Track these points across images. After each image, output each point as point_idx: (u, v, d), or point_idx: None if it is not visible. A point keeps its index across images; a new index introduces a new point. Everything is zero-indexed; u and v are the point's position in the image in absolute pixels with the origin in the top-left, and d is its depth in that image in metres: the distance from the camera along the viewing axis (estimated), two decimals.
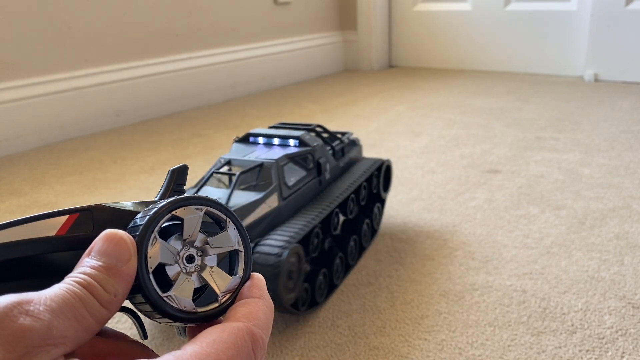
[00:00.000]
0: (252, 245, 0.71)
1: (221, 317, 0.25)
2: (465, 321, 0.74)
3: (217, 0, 2.14)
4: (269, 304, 0.25)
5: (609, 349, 0.67)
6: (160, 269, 0.24)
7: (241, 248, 0.26)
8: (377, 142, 1.54)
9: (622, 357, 0.66)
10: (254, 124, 1.79)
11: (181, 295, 0.24)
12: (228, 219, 0.26)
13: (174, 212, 0.24)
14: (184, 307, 0.24)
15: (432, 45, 2.75)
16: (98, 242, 0.23)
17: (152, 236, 0.24)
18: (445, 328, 0.73)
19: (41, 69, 1.64)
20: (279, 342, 0.71)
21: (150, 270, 0.23)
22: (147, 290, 0.23)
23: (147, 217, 0.24)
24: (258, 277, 0.26)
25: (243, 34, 2.27)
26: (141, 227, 0.23)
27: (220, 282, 0.25)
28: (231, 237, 0.26)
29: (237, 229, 0.26)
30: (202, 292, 0.25)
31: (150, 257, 0.23)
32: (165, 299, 0.24)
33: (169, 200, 0.25)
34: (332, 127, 1.71)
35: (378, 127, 1.70)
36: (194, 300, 0.24)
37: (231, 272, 0.26)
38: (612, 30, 2.22)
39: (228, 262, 0.26)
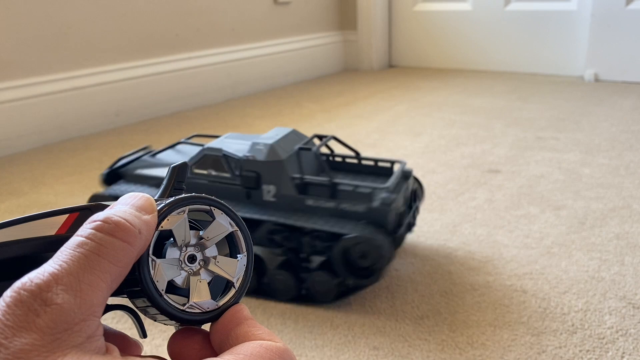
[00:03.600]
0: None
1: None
2: (466, 321, 0.74)
3: (217, 0, 2.14)
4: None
5: (609, 349, 0.67)
6: (162, 245, 0.24)
7: (235, 228, 0.26)
8: (377, 142, 1.54)
9: (623, 357, 0.66)
10: (254, 123, 1.79)
11: (200, 299, 0.24)
12: (212, 207, 0.26)
13: (160, 228, 0.24)
14: (207, 308, 0.24)
15: (432, 45, 2.75)
16: (120, 199, 0.24)
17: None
18: (446, 328, 0.72)
19: (41, 69, 1.64)
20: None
21: (163, 293, 0.23)
22: (167, 312, 0.23)
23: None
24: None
25: (243, 34, 2.27)
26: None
27: (228, 268, 0.25)
28: (222, 223, 0.26)
29: (224, 212, 0.26)
30: (210, 283, 0.25)
31: (157, 281, 0.23)
32: (187, 309, 0.24)
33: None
34: (332, 127, 1.71)
35: (378, 127, 1.70)
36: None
37: (234, 253, 0.26)
38: (612, 30, 2.22)
39: (227, 245, 0.26)
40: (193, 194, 0.25)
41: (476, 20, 2.59)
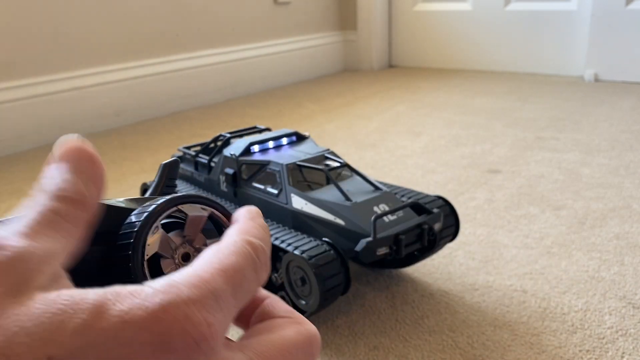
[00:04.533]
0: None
1: None
2: (466, 321, 0.74)
3: (217, 0, 2.14)
4: (262, 223, 0.24)
5: (609, 349, 0.67)
6: (156, 262, 0.24)
7: (208, 210, 0.25)
8: (377, 142, 1.54)
9: (622, 357, 0.66)
10: (254, 123, 1.79)
11: None
12: (178, 206, 0.25)
13: (179, 207, 0.24)
14: None
15: (432, 45, 2.75)
16: (57, 151, 0.21)
17: (155, 225, 0.23)
18: (446, 328, 0.72)
19: (41, 69, 1.64)
20: None
21: (146, 258, 0.23)
22: (136, 276, 0.23)
23: (153, 206, 0.24)
24: (250, 207, 0.25)
25: (243, 34, 2.27)
26: (144, 215, 0.23)
27: None
28: (195, 215, 0.25)
29: (190, 204, 0.25)
30: None
31: (148, 245, 0.23)
32: None
33: (179, 195, 0.24)
34: (332, 127, 1.71)
35: (378, 127, 1.70)
36: None
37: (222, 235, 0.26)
38: (612, 30, 2.22)
39: None
40: (192, 192, 0.25)
41: (476, 20, 2.59)
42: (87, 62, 1.75)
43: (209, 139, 0.97)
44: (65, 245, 0.19)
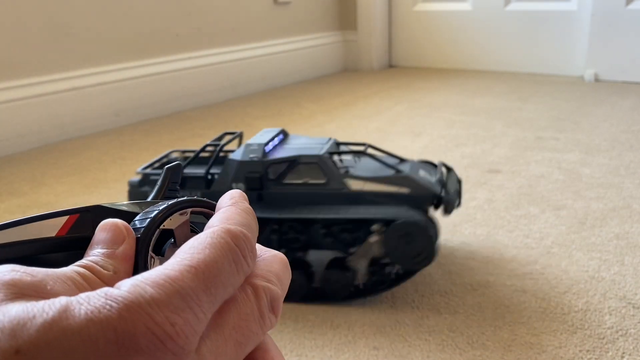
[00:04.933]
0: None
1: None
2: (466, 321, 0.74)
3: (217, 0, 2.14)
4: (245, 207, 0.23)
5: (609, 349, 0.67)
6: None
7: None
8: (377, 142, 1.54)
9: (623, 357, 0.66)
10: (254, 123, 1.79)
11: None
12: (213, 211, 0.25)
13: (162, 227, 0.24)
14: None
15: (432, 45, 2.75)
16: (95, 234, 0.23)
17: (149, 257, 0.23)
18: (446, 328, 0.73)
19: (41, 69, 1.64)
20: (278, 342, 0.71)
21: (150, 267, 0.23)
22: None
23: (155, 211, 0.24)
24: (232, 191, 0.25)
25: (243, 34, 2.27)
26: (147, 220, 0.24)
27: None
28: None
29: None
30: None
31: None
32: None
33: (182, 199, 0.25)
34: (332, 127, 1.71)
35: (378, 127, 1.70)
36: None
37: None
38: (612, 30, 2.22)
39: None
40: (195, 197, 0.25)
41: (476, 20, 2.59)
42: (87, 62, 1.75)
43: (198, 147, 0.91)
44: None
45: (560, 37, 2.40)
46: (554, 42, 2.42)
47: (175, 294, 0.17)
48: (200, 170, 0.84)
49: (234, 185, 0.81)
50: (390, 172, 0.79)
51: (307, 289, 0.80)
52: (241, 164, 0.80)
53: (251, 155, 0.81)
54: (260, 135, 0.87)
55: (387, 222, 0.75)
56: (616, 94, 2.04)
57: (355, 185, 0.79)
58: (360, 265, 0.79)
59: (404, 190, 0.77)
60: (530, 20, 2.46)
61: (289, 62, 2.50)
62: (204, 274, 0.19)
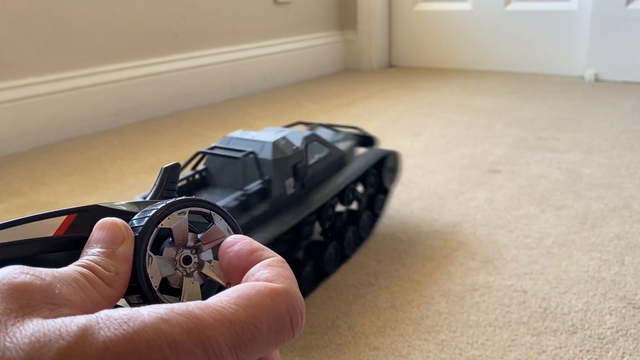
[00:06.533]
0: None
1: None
2: (466, 321, 0.74)
3: (217, 0, 2.14)
4: (288, 267, 0.22)
5: (609, 349, 0.67)
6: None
7: (232, 234, 0.26)
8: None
9: (623, 357, 0.66)
10: (254, 123, 1.79)
11: (192, 299, 0.24)
12: (212, 212, 0.26)
13: (160, 226, 0.24)
14: None
15: (432, 45, 2.75)
16: (93, 232, 0.23)
17: (147, 256, 0.24)
18: (446, 328, 0.72)
19: (41, 69, 1.64)
20: None
21: (157, 289, 0.23)
22: (138, 279, 0.23)
23: (153, 210, 0.24)
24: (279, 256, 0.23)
25: (243, 34, 2.27)
26: (145, 219, 0.24)
27: (221, 273, 0.25)
28: (220, 229, 0.26)
29: (223, 218, 0.26)
30: (202, 285, 0.25)
31: (152, 277, 0.23)
32: None
33: (179, 199, 0.25)
34: None
35: (378, 127, 1.70)
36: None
37: None
38: (613, 30, 2.22)
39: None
40: (194, 197, 0.25)
41: (476, 20, 2.58)
42: (87, 62, 1.75)
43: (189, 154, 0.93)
44: (85, 306, 0.20)
45: (561, 37, 2.40)
46: (554, 42, 2.42)
47: (199, 344, 0.17)
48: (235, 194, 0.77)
49: (286, 181, 0.79)
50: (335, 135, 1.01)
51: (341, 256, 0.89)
52: (274, 163, 0.77)
53: (295, 147, 0.80)
54: (262, 133, 0.86)
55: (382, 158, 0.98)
56: (616, 94, 2.04)
57: (342, 146, 0.95)
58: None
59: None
60: (530, 20, 2.46)
61: (289, 62, 2.50)
62: (236, 332, 0.18)
